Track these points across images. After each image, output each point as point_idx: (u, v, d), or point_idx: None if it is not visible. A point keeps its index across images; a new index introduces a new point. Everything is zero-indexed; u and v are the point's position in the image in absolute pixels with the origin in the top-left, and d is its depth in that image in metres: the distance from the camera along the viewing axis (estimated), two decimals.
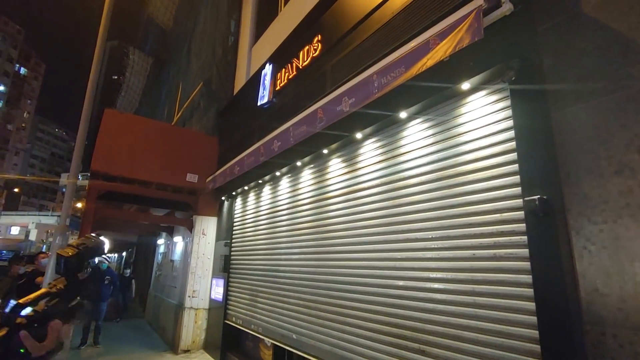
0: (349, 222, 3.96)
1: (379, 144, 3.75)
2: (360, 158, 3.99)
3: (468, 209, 2.70)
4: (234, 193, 7.23)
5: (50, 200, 71.79)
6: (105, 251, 6.95)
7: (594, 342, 1.96)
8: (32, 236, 36.46)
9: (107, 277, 7.83)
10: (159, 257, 11.56)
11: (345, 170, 4.20)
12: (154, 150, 7.54)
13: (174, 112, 12.87)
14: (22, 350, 0.90)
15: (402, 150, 3.44)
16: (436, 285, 2.84)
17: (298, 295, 4.64)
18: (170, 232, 10.02)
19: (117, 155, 7.07)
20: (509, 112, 2.54)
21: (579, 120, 2.22)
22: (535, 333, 2.15)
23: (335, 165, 4.39)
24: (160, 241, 11.49)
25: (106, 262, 8.71)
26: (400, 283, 3.16)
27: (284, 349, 5.52)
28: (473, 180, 2.71)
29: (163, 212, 8.57)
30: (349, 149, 4.21)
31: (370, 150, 3.86)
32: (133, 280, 12.62)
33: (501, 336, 2.33)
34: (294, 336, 4.54)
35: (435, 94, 3.00)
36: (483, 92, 2.76)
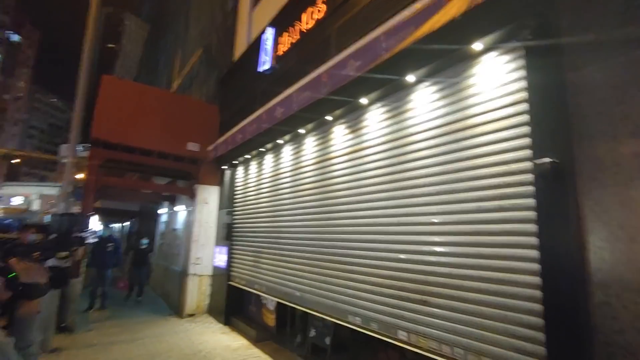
0: (354, 181, 3.96)
1: (385, 108, 3.67)
2: (365, 123, 3.93)
3: (475, 162, 2.69)
4: (235, 162, 7.19)
5: (51, 170, 71.83)
6: (90, 226, 7.01)
7: (598, 304, 1.98)
8: (35, 206, 36.82)
9: (109, 244, 7.93)
10: (161, 227, 11.68)
11: (350, 134, 4.14)
12: (154, 118, 7.44)
13: (173, 81, 12.60)
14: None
15: (408, 113, 3.38)
16: (439, 239, 2.89)
17: (301, 254, 4.72)
18: (172, 201, 10.07)
19: (118, 122, 6.97)
20: (522, 73, 2.46)
21: (596, 81, 2.15)
22: (538, 280, 2.20)
23: (340, 132, 4.32)
24: (163, 210, 11.57)
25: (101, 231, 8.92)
26: (404, 238, 3.22)
27: (287, 309, 5.68)
28: (481, 133, 2.68)
29: (165, 181, 8.57)
30: (353, 115, 4.12)
31: (376, 115, 3.78)
32: (150, 254, 9.40)
33: (504, 284, 2.39)
34: (298, 293, 4.64)
35: (446, 55, 2.89)
36: (496, 53, 2.66)
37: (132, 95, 7.32)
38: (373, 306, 3.46)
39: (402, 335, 3.10)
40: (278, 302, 5.67)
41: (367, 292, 3.56)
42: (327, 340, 4.26)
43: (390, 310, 3.24)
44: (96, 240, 8.43)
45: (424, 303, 2.92)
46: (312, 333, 4.56)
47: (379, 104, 3.77)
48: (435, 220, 2.95)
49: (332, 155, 4.41)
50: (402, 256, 3.21)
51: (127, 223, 24.06)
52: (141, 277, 8.81)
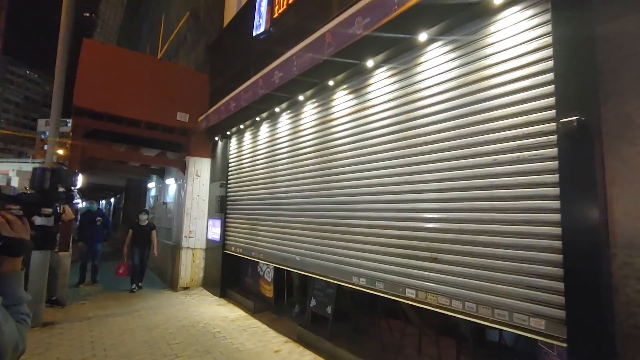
0: (358, 142, 3.85)
1: (394, 68, 3.50)
2: (371, 83, 3.76)
3: (492, 114, 2.60)
4: (228, 132, 6.95)
5: (29, 146, 69.30)
6: (76, 184, 6.55)
7: (620, 264, 1.94)
8: (14, 183, 35.61)
9: (98, 217, 7.69)
10: (150, 201, 11.43)
11: (354, 96, 3.98)
12: (141, 87, 7.06)
13: (157, 50, 11.95)
14: None
15: (420, 72, 3.23)
16: (451, 195, 2.83)
17: (301, 219, 4.65)
18: (162, 175, 9.80)
19: (102, 90, 6.59)
20: (547, 28, 2.32)
21: (627, 34, 2.03)
22: (558, 230, 2.16)
23: (343, 95, 4.15)
24: (151, 184, 11.29)
25: (77, 195, 8.51)
26: (412, 196, 3.16)
27: (284, 280, 5.67)
28: (500, 83, 2.57)
29: (154, 153, 8.26)
30: (359, 77, 3.93)
31: (383, 75, 3.61)
32: (154, 232, 7.47)
33: (520, 236, 2.36)
34: (297, 258, 4.60)
35: (464, 10, 2.72)
36: (518, 7, 2.50)
37: (116, 61, 6.89)
38: (378, 266, 3.43)
39: (409, 293, 3.08)
40: (275, 274, 5.65)
41: (371, 253, 3.52)
42: (329, 310, 4.25)
43: (397, 269, 3.22)
44: (84, 212, 8.16)
45: (434, 260, 2.89)
46: (313, 303, 4.54)
47: (386, 66, 3.59)
48: (447, 177, 2.86)
49: (334, 117, 4.27)
50: (411, 215, 3.15)
51: (112, 199, 23.60)
52: (143, 260, 7.32)
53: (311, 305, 4.56)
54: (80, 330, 4.84)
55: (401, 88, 3.39)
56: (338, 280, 3.93)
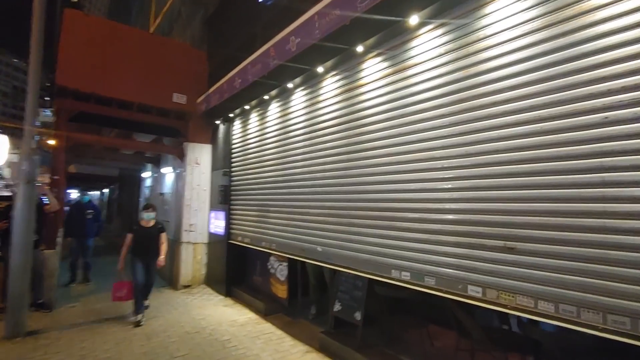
0: (397, 109, 3.21)
1: (443, 29, 2.81)
2: (415, 50, 3.08)
3: (601, 56, 1.94)
4: (231, 115, 6.25)
5: (19, 137, 67.63)
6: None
7: None
8: (5, 174, 34.61)
9: (89, 210, 6.99)
10: (145, 192, 10.73)
11: (390, 62, 3.30)
12: (132, 65, 6.32)
13: (150, 26, 11.05)
14: None
15: (479, 25, 2.56)
16: (531, 167, 2.22)
17: (322, 203, 4.06)
18: (157, 163, 9.09)
19: (88, 68, 5.85)
20: None
21: None
22: None
23: (376, 64, 3.47)
24: (146, 174, 10.57)
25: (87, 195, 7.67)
26: (476, 171, 2.54)
27: (297, 278, 5.07)
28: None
29: (149, 139, 7.55)
30: (397, 40, 3.24)
31: (431, 39, 2.95)
32: (164, 235, 5.17)
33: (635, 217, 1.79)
34: (319, 248, 4.01)
35: None
36: None
37: (103, 35, 6.12)
38: (428, 257, 2.84)
39: (473, 291, 2.50)
40: (289, 271, 5.04)
41: (418, 242, 2.93)
42: (357, 316, 3.66)
43: (455, 262, 2.63)
44: (74, 203, 7.47)
45: (509, 250, 2.30)
46: (337, 307, 3.95)
47: (436, 20, 2.92)
48: (530, 143, 2.23)
49: (362, 83, 3.62)
50: (473, 194, 2.55)
51: (106, 191, 22.83)
52: (149, 276, 5.03)
53: (335, 310, 3.96)
54: (69, 340, 4.22)
55: (457, 36, 2.73)
56: (373, 274, 3.34)
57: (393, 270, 3.13)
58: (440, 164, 2.79)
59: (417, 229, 2.94)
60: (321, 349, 3.90)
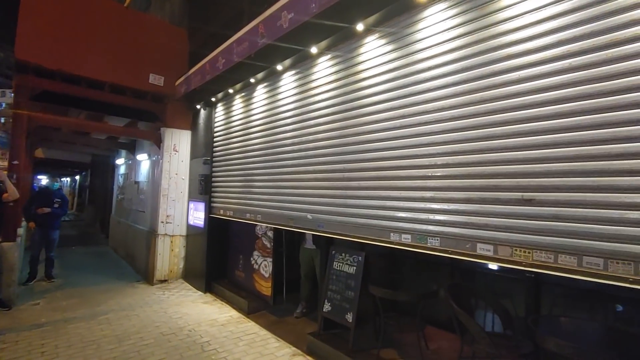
0: (404, 66, 2.91)
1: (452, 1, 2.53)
2: (423, 28, 2.78)
3: None
4: (213, 99, 5.81)
5: None
6: None
7: None
8: None
9: (56, 199, 6.37)
10: (119, 179, 10.12)
11: (395, 45, 2.99)
12: (104, 40, 5.76)
13: (124, 1, 10.25)
14: None
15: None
16: (554, 109, 1.99)
17: (314, 168, 3.76)
18: (132, 150, 8.53)
19: (53, 42, 5.27)
20: None
21: None
22: None
23: (379, 47, 3.15)
24: (120, 161, 9.96)
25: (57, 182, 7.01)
26: (488, 119, 2.30)
27: (283, 274, 4.79)
28: None
29: (122, 123, 7.00)
30: (402, 17, 2.93)
31: (440, 22, 2.65)
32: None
33: None
34: (309, 216, 3.74)
35: None
36: None
37: (72, 5, 5.53)
38: (431, 217, 2.61)
39: (483, 249, 2.27)
40: (274, 268, 4.74)
41: (420, 201, 2.69)
42: (349, 317, 3.40)
43: (463, 219, 2.40)
44: (39, 190, 6.84)
45: (527, 202, 2.07)
46: (327, 307, 3.69)
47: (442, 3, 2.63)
48: (554, 83, 2.00)
49: (363, 68, 3.29)
50: (485, 144, 2.30)
51: (77, 177, 21.74)
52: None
53: (325, 311, 3.70)
54: (29, 342, 3.80)
55: (469, 18, 2.45)
56: (370, 239, 3.08)
57: (392, 234, 2.88)
58: (450, 114, 2.51)
59: (423, 186, 2.68)
60: (309, 352, 3.64)
